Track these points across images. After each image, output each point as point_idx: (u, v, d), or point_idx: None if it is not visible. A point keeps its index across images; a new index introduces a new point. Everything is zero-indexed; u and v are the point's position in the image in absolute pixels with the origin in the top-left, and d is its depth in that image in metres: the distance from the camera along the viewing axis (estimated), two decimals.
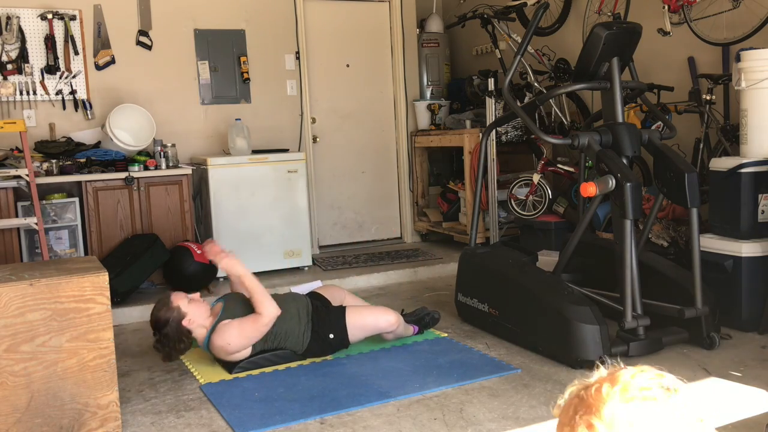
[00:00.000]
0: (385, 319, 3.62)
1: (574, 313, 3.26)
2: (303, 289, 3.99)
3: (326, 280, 4.85)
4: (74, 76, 5.30)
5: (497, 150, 5.43)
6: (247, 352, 3.40)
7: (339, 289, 3.94)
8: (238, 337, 3.33)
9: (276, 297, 3.51)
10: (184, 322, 3.36)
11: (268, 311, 3.35)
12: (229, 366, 3.44)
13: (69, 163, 4.91)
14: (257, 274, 5.29)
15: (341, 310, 3.61)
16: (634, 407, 0.96)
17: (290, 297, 3.63)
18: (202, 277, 4.94)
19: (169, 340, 3.35)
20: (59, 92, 5.26)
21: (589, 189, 3.34)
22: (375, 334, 3.69)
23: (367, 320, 3.60)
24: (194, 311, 3.41)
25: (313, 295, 3.78)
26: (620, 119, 3.56)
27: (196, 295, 3.54)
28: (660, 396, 0.98)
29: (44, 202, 4.75)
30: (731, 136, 4.21)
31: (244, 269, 3.48)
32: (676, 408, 0.98)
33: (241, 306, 3.49)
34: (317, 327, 3.51)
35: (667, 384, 1.00)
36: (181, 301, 3.41)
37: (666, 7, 4.51)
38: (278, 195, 5.45)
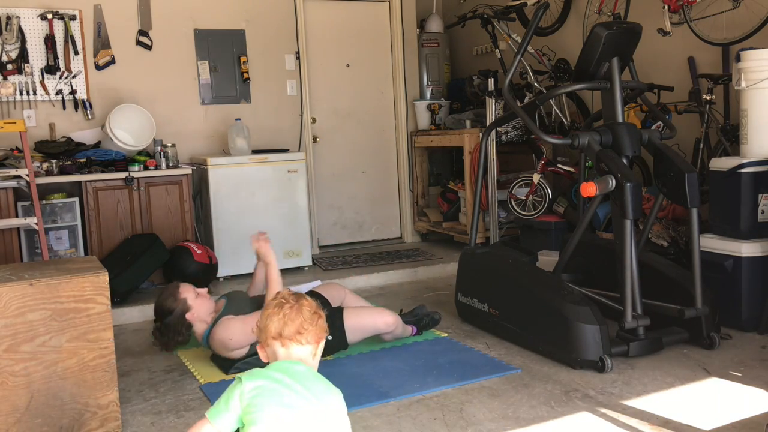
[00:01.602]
0: (383, 320, 3.61)
1: (574, 313, 3.26)
2: (302, 288, 3.98)
3: (326, 280, 4.85)
4: (74, 76, 5.30)
5: (497, 150, 5.43)
6: (246, 350, 3.41)
7: (339, 288, 3.93)
8: (241, 333, 3.33)
9: None
10: (188, 316, 3.40)
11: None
12: (225, 366, 3.45)
13: (69, 163, 4.91)
14: None
15: (339, 311, 3.60)
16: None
17: None
18: (202, 277, 4.93)
19: (169, 330, 3.38)
20: (59, 92, 5.26)
21: (589, 189, 3.33)
22: (374, 335, 3.69)
23: (365, 321, 3.59)
24: (200, 306, 3.44)
25: (313, 294, 3.77)
26: (620, 119, 3.56)
27: (204, 290, 3.56)
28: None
29: (44, 202, 4.75)
30: (731, 136, 4.21)
31: (274, 259, 3.56)
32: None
33: (244, 304, 3.50)
34: None
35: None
36: (188, 293, 3.43)
37: (666, 7, 4.51)
38: (278, 195, 5.45)
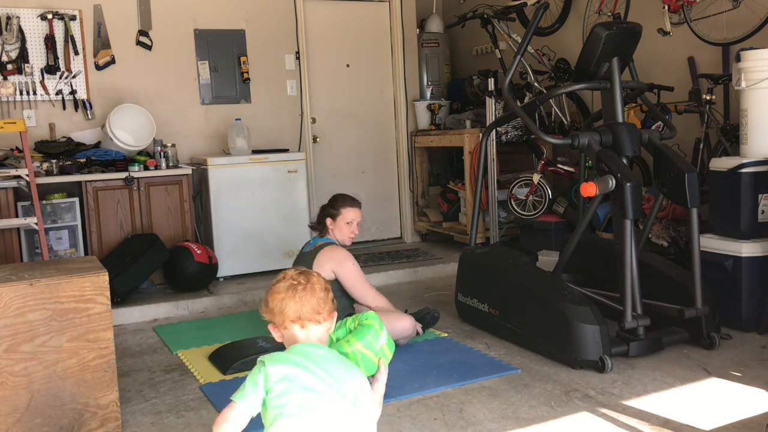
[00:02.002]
0: (401, 326, 3.63)
1: (574, 313, 3.26)
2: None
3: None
4: (74, 76, 5.30)
5: (497, 150, 5.43)
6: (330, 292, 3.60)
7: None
8: (357, 268, 3.72)
9: None
10: (329, 219, 3.86)
11: (377, 301, 3.71)
12: (224, 366, 3.45)
13: (69, 163, 4.91)
14: (257, 274, 5.36)
15: None
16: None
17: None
18: (202, 277, 4.94)
19: (322, 214, 3.91)
20: (59, 92, 5.26)
21: (589, 189, 3.33)
22: None
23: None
24: (341, 229, 3.85)
25: None
26: (620, 119, 3.56)
27: (358, 232, 3.93)
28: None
29: (44, 202, 4.75)
30: (731, 136, 4.21)
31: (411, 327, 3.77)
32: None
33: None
34: None
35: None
36: (350, 216, 3.86)
37: (666, 7, 4.52)
38: (278, 195, 5.45)
